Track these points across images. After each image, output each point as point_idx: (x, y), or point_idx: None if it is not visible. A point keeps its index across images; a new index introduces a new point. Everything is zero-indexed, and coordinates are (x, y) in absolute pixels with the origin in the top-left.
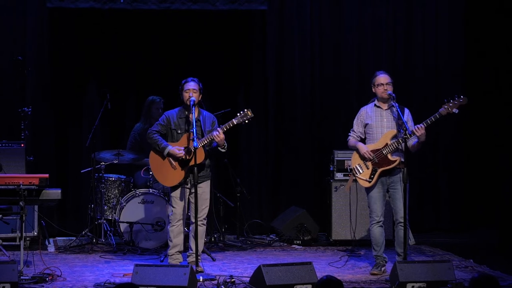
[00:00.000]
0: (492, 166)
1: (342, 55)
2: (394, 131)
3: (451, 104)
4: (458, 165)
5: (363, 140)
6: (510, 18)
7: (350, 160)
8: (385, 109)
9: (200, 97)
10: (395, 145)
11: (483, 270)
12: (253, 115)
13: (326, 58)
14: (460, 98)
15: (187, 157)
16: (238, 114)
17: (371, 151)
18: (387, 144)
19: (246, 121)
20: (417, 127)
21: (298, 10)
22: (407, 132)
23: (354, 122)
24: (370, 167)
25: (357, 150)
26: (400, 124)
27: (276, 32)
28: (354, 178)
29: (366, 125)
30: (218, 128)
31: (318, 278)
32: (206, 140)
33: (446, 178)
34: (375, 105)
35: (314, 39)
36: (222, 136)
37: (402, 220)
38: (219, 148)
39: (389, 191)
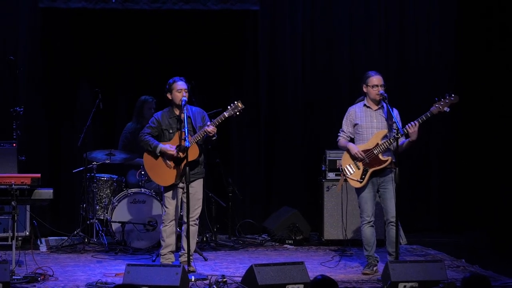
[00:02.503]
0: (484, 166)
1: (334, 54)
2: (385, 131)
3: (442, 103)
4: (450, 165)
5: (352, 140)
6: (502, 15)
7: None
8: (375, 110)
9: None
10: (386, 145)
11: (475, 270)
12: (243, 107)
13: (318, 57)
14: (452, 97)
15: (181, 155)
16: (229, 107)
17: (361, 151)
18: (377, 144)
19: (237, 113)
20: (410, 125)
21: (290, 10)
22: (399, 131)
23: (343, 122)
24: (361, 167)
25: (348, 151)
26: (391, 124)
27: (268, 32)
28: (345, 178)
29: (355, 125)
30: (210, 123)
31: (310, 278)
32: (199, 136)
33: (438, 178)
34: (364, 105)
35: (306, 39)
36: (214, 130)
37: (393, 220)
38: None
39: (379, 191)
